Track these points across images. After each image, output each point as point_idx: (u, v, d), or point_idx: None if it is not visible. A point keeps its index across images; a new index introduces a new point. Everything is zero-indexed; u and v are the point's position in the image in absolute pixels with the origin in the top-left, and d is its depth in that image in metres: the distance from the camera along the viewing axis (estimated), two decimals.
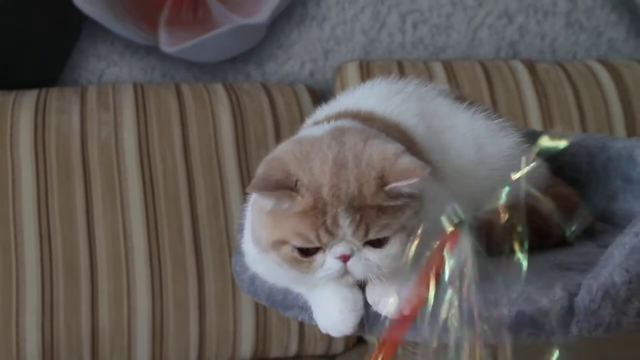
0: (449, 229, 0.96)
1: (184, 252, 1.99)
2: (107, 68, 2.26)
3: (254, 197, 1.07)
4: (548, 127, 2.22)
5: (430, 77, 2.21)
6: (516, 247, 1.21)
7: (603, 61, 2.41)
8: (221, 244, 2.01)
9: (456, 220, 0.97)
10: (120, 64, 2.26)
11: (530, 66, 2.33)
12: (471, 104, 1.31)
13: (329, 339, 2.06)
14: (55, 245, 1.94)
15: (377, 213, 1.00)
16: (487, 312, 1.02)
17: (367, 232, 1.00)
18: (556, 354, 0.98)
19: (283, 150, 1.07)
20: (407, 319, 0.99)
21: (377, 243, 1.02)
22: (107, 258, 1.96)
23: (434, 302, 0.95)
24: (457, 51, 2.43)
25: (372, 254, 1.02)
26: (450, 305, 0.95)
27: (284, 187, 1.00)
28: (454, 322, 0.95)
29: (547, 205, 1.25)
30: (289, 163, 1.03)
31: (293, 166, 1.02)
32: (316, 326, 1.08)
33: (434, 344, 0.98)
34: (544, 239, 1.24)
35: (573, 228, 1.12)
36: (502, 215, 1.21)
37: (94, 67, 2.25)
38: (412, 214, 1.02)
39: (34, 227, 1.94)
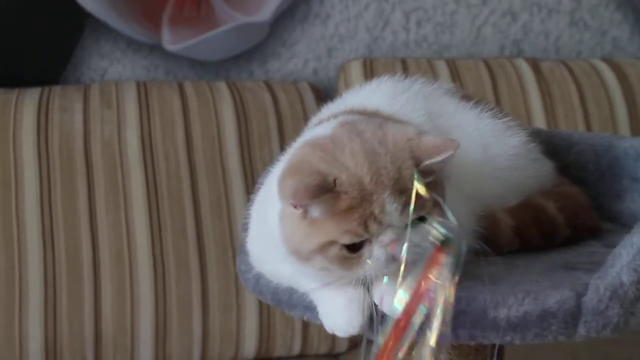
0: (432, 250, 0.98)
1: (187, 250, 1.98)
2: (110, 66, 2.25)
3: (284, 210, 1.03)
4: (552, 126, 2.22)
5: (434, 75, 2.21)
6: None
7: (607, 60, 2.40)
8: (224, 242, 2.00)
9: (441, 239, 0.98)
10: (123, 62, 2.26)
11: (535, 65, 2.33)
12: (477, 103, 1.31)
13: (333, 338, 2.06)
14: (58, 243, 1.93)
15: (415, 192, 1.00)
16: (495, 312, 1.02)
17: (414, 212, 0.99)
18: None
19: (304, 155, 1.05)
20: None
21: (418, 222, 1.00)
22: (110, 256, 1.95)
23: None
24: (461, 49, 2.42)
25: (414, 235, 1.00)
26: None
27: (326, 190, 0.98)
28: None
29: (553, 205, 1.25)
30: (319, 166, 1.01)
31: (324, 167, 1.00)
32: (321, 325, 1.07)
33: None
34: (550, 238, 1.23)
35: None
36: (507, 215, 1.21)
37: (97, 65, 2.24)
38: (442, 190, 1.02)
39: (37, 225, 1.93)
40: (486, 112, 1.29)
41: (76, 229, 1.95)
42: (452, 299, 0.97)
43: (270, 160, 1.23)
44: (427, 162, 1.00)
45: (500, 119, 1.30)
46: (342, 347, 2.08)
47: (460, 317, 1.02)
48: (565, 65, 2.34)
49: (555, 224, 1.24)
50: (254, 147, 2.07)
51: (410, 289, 0.99)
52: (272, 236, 1.09)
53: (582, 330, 1.02)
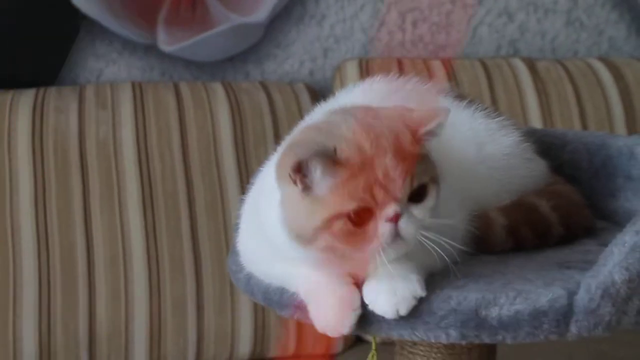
0: None
1: (182, 251, 1.98)
2: (106, 67, 2.25)
3: (285, 195, 1.02)
4: (548, 126, 2.21)
5: (430, 75, 2.20)
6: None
7: (604, 59, 2.40)
8: (219, 243, 2.00)
9: None
10: (118, 63, 2.25)
11: (531, 64, 2.32)
12: (471, 102, 1.30)
13: (328, 339, 2.04)
14: (53, 244, 1.93)
15: (416, 160, 1.01)
16: (486, 311, 1.02)
17: (412, 180, 1.00)
18: None
19: (299, 136, 1.05)
20: None
21: (417, 198, 1.01)
22: (105, 257, 1.95)
23: None
24: (457, 49, 2.42)
25: (415, 210, 1.01)
26: None
27: (328, 157, 0.98)
28: None
29: (546, 204, 1.25)
30: (316, 139, 1.01)
31: (323, 139, 1.00)
32: (313, 326, 1.07)
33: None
34: (544, 237, 1.23)
35: None
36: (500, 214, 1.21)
37: (93, 66, 2.24)
38: (434, 164, 1.04)
39: (32, 226, 1.93)
40: (480, 111, 1.29)
41: (71, 230, 1.95)
42: None
43: (265, 161, 1.23)
44: (423, 130, 1.01)
45: (493, 118, 1.29)
46: (337, 348, 2.07)
47: (451, 316, 1.02)
48: (562, 64, 2.34)
49: (548, 223, 1.24)
50: (250, 148, 2.07)
51: (401, 288, 1.00)
52: (264, 235, 1.09)
53: (574, 329, 1.02)
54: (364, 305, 1.03)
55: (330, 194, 0.99)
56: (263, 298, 1.15)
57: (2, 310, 1.90)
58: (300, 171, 0.99)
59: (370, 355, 1.15)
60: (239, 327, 1.99)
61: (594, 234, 1.29)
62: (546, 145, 1.39)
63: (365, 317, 1.04)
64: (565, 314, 1.02)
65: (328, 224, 0.99)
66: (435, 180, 1.03)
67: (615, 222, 1.33)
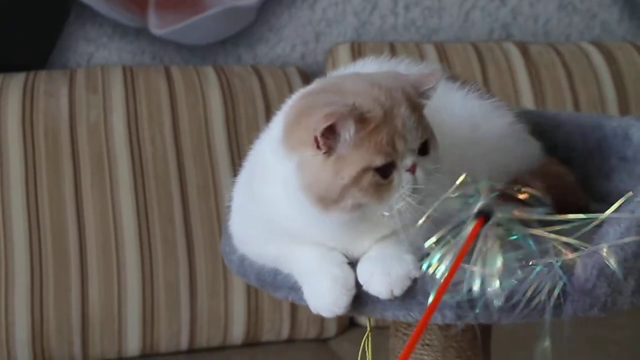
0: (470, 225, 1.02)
1: (175, 235, 1.97)
2: (96, 51, 2.23)
3: (302, 160, 1.02)
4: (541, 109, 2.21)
5: (423, 59, 2.20)
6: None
7: (596, 43, 2.40)
8: (212, 227, 1.99)
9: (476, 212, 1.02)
10: (109, 47, 2.24)
11: (523, 48, 2.32)
12: (464, 83, 1.30)
13: (321, 322, 2.05)
14: (44, 228, 1.92)
15: (422, 113, 1.05)
16: (480, 290, 1.01)
17: (422, 131, 1.03)
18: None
19: (307, 102, 1.05)
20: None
21: (424, 151, 1.04)
22: (97, 241, 1.94)
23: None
24: (449, 33, 2.41)
25: (425, 161, 1.03)
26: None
27: (352, 112, 0.99)
28: None
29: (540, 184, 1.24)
30: (331, 100, 1.02)
31: (338, 99, 1.01)
32: (307, 308, 1.06)
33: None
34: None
35: None
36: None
37: (83, 50, 2.23)
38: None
39: (23, 211, 1.92)
40: (473, 92, 1.28)
41: (62, 215, 1.94)
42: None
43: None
44: (424, 86, 1.05)
45: (487, 99, 1.29)
46: (331, 332, 2.07)
47: (446, 296, 1.02)
48: (554, 48, 2.34)
49: (542, 203, 1.23)
50: (242, 132, 2.06)
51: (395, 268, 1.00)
52: (258, 215, 1.08)
53: (569, 309, 1.02)
54: (358, 286, 1.03)
55: (355, 149, 1.00)
56: (256, 279, 1.15)
57: None
58: (329, 132, 0.99)
59: (365, 336, 1.15)
60: (232, 310, 1.99)
61: None
62: (540, 127, 1.38)
63: (360, 298, 1.03)
64: (561, 294, 1.01)
65: (357, 179, 1.00)
66: (433, 135, 1.06)
67: (610, 203, 1.32)
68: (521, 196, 1.08)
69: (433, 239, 1.01)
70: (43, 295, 1.91)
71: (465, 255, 1.00)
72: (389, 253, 1.03)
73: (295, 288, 1.08)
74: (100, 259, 1.94)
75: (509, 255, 1.01)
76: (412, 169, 1.02)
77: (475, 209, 1.02)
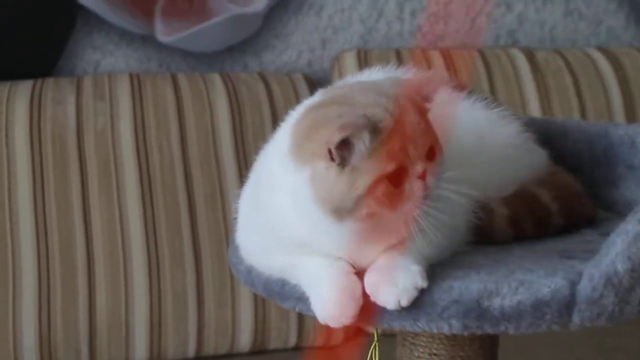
0: None
1: (182, 243, 1.97)
2: (103, 58, 2.24)
3: (314, 173, 1.02)
4: (547, 116, 2.21)
5: (429, 65, 2.20)
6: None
7: (602, 49, 2.39)
8: (219, 235, 1.99)
9: None
10: (116, 54, 2.24)
11: (530, 54, 2.32)
12: (470, 92, 1.30)
13: (329, 330, 2.04)
14: (52, 237, 1.93)
15: (427, 119, 1.05)
16: (488, 301, 1.01)
17: (429, 136, 1.03)
18: None
19: (317, 115, 1.05)
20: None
21: (431, 155, 1.04)
22: (104, 250, 1.94)
23: None
24: (455, 39, 2.41)
25: (432, 166, 1.03)
26: None
27: (367, 123, 0.99)
28: None
29: (547, 193, 1.25)
30: (341, 111, 1.02)
31: (348, 110, 1.02)
32: (314, 317, 1.06)
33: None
34: (544, 227, 1.23)
35: None
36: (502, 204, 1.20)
37: (90, 57, 2.23)
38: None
39: (30, 219, 1.93)
40: (479, 101, 1.29)
41: (70, 223, 1.94)
42: None
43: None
44: (429, 92, 1.05)
45: (493, 108, 1.29)
46: (338, 340, 2.07)
47: (453, 307, 1.02)
48: (561, 55, 2.34)
49: (549, 212, 1.23)
50: (248, 139, 2.07)
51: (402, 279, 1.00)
52: (265, 226, 1.08)
53: (576, 319, 1.02)
54: (365, 295, 1.03)
55: (370, 160, 1.00)
56: (264, 289, 1.15)
57: (2, 303, 1.89)
58: (344, 144, 0.99)
59: (372, 347, 1.15)
60: (239, 319, 1.99)
61: (594, 224, 1.28)
62: (547, 135, 1.38)
63: (367, 308, 1.03)
64: (568, 304, 1.01)
65: (371, 190, 1.00)
66: (438, 140, 1.06)
67: (617, 211, 1.33)
68: None
69: None
70: (50, 302, 1.91)
71: None
72: (396, 264, 1.03)
73: (302, 298, 1.08)
74: (107, 266, 1.94)
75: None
76: (422, 176, 1.02)
77: None
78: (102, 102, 2.04)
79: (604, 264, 1.02)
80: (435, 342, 1.16)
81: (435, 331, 1.03)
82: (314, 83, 2.21)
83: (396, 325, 1.04)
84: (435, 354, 1.17)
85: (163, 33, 2.25)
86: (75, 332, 1.92)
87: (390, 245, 1.05)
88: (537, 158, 1.31)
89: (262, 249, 1.14)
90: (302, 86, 2.18)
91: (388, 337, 1.25)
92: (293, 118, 1.09)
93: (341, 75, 2.19)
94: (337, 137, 0.98)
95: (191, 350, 1.98)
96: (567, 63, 2.31)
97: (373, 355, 1.15)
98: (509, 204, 1.21)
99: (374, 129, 0.99)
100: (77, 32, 2.22)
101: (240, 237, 1.19)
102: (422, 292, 1.02)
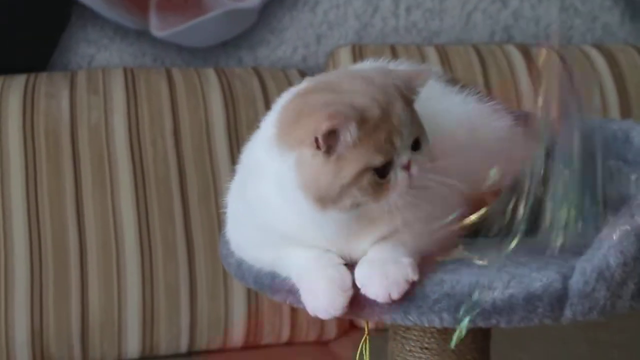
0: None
1: (175, 237, 1.97)
2: (97, 53, 2.23)
3: (300, 159, 1.01)
4: None
5: (424, 61, 2.19)
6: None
7: (598, 46, 2.39)
8: (212, 230, 1.99)
9: None
10: (110, 49, 2.24)
11: (525, 51, 2.31)
12: (463, 87, 1.29)
13: (321, 325, 2.05)
14: (45, 230, 1.92)
15: (413, 109, 1.05)
16: (480, 295, 1.01)
17: (415, 126, 1.03)
18: None
19: (304, 101, 1.05)
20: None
21: (416, 146, 1.04)
22: (97, 244, 1.94)
23: None
24: (450, 35, 2.41)
25: (417, 156, 1.03)
26: None
27: (353, 112, 0.99)
28: None
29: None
30: (328, 98, 1.01)
31: (336, 97, 1.01)
32: (306, 310, 1.06)
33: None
34: (537, 221, 1.22)
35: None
36: (494, 195, 1.20)
37: (84, 51, 2.23)
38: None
39: (23, 212, 1.92)
40: (472, 95, 1.28)
41: (63, 217, 1.94)
42: None
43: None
44: (415, 83, 1.05)
45: (486, 102, 1.29)
46: (331, 334, 2.07)
47: (444, 300, 1.01)
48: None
49: (543, 206, 1.23)
50: (243, 134, 2.06)
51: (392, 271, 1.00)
52: (253, 218, 1.08)
53: (568, 313, 1.02)
54: (356, 287, 1.03)
55: (356, 149, 0.99)
56: (254, 282, 1.14)
57: None
58: (331, 133, 0.99)
59: (363, 340, 1.14)
60: (232, 313, 1.99)
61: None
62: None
63: (357, 301, 1.03)
64: (560, 298, 1.01)
65: (357, 179, 1.00)
66: (424, 130, 1.06)
67: (610, 206, 1.32)
68: None
69: None
70: (43, 297, 1.91)
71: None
72: (387, 256, 1.02)
73: (292, 291, 1.07)
74: (100, 261, 1.94)
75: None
76: (407, 166, 1.02)
77: None
78: (96, 96, 2.03)
79: (596, 258, 1.02)
80: (426, 335, 1.16)
81: (426, 324, 1.03)
82: None
83: (387, 319, 1.04)
84: (426, 348, 1.16)
85: (158, 28, 2.24)
86: (67, 326, 1.92)
87: (379, 237, 1.05)
88: (530, 152, 1.31)
89: (251, 242, 1.13)
90: (297, 81, 2.14)
91: (380, 332, 1.24)
92: (279, 105, 1.08)
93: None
94: (324, 127, 0.98)
95: (184, 345, 1.98)
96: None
97: (363, 349, 1.14)
98: (501, 197, 1.20)
99: (361, 119, 0.99)
100: (72, 26, 2.22)
101: (229, 230, 1.19)
102: (413, 285, 1.02)
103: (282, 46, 2.33)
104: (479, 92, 1.30)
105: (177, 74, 2.12)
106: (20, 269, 1.91)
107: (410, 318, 1.03)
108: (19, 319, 1.90)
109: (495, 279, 1.02)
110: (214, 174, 2.02)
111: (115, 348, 1.95)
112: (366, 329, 1.14)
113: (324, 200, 1.01)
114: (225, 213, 1.20)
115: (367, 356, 1.14)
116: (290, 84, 2.12)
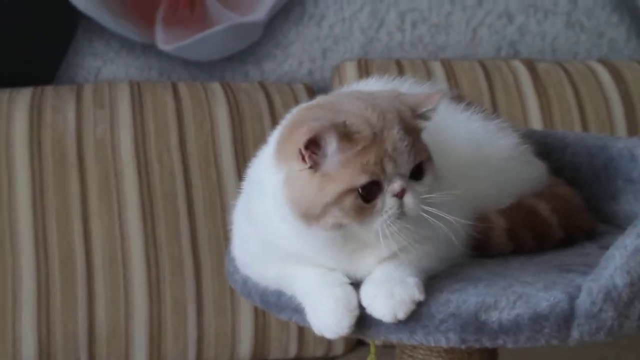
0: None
1: (182, 252, 1.97)
2: (104, 66, 2.24)
3: (290, 174, 1.02)
4: (548, 128, 2.20)
5: (429, 76, 2.19)
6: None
7: (604, 62, 2.39)
8: (219, 245, 1.99)
9: None
10: (116, 62, 2.24)
11: (531, 66, 2.31)
12: (469, 104, 1.29)
13: (329, 341, 2.04)
14: (51, 244, 1.92)
15: (417, 136, 1.04)
16: (486, 315, 1.01)
17: (415, 155, 1.02)
18: None
19: (300, 116, 1.05)
20: None
21: (417, 175, 1.03)
22: (104, 258, 1.94)
23: None
24: (456, 50, 2.41)
25: (417, 186, 1.02)
26: None
27: (340, 130, 0.99)
28: None
29: (546, 206, 1.24)
30: (321, 116, 1.02)
31: (329, 115, 1.01)
32: (311, 328, 1.05)
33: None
34: (543, 240, 1.22)
35: None
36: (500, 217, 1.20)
37: (90, 65, 2.23)
38: (426, 144, 1.06)
39: (30, 226, 1.92)
40: (478, 113, 1.28)
41: (69, 231, 1.93)
42: None
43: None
44: (422, 109, 1.04)
45: (492, 120, 1.29)
46: (338, 350, 2.06)
47: (450, 320, 1.01)
48: (562, 66, 2.33)
49: (548, 225, 1.23)
50: (249, 148, 2.06)
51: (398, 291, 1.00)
52: (258, 236, 1.08)
53: (575, 333, 1.01)
54: (362, 307, 1.02)
55: (342, 168, 0.99)
56: (261, 301, 1.14)
57: (2, 312, 1.89)
58: (313, 146, 0.99)
59: (368, 359, 1.14)
60: (239, 328, 1.98)
61: (594, 237, 1.28)
62: (546, 147, 1.38)
63: (364, 320, 1.03)
64: (567, 318, 1.01)
65: (339, 199, 0.99)
66: (430, 159, 1.05)
67: (616, 225, 1.32)
68: None
69: None
70: (50, 311, 1.90)
71: None
72: (393, 276, 1.02)
73: (299, 310, 1.07)
74: (107, 275, 1.94)
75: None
76: (400, 194, 1.01)
77: None
78: (102, 110, 2.04)
79: (603, 278, 1.01)
80: (433, 354, 1.15)
81: (432, 344, 1.03)
82: (315, 93, 2.21)
83: (393, 338, 1.04)
84: None
85: (164, 41, 2.24)
86: (74, 341, 1.91)
87: (380, 258, 1.04)
88: (536, 170, 1.31)
89: (256, 259, 1.13)
90: (303, 96, 2.18)
91: (387, 349, 1.24)
92: (285, 121, 1.09)
93: (342, 85, 2.18)
94: (304, 137, 0.98)
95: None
96: (569, 75, 2.30)
97: None
98: (508, 216, 1.20)
99: (346, 136, 0.99)
100: (78, 39, 2.22)
101: (235, 248, 1.19)
102: (419, 305, 1.02)
103: (288, 60, 2.33)
104: (484, 110, 1.30)
105: (183, 88, 2.12)
106: (28, 282, 1.90)
107: (417, 338, 1.03)
108: (26, 331, 1.89)
109: (501, 299, 1.02)
110: (221, 188, 2.02)
111: None
112: (372, 347, 1.14)
113: (308, 216, 1.01)
114: (231, 230, 1.20)
115: None
116: (296, 98, 2.15)
